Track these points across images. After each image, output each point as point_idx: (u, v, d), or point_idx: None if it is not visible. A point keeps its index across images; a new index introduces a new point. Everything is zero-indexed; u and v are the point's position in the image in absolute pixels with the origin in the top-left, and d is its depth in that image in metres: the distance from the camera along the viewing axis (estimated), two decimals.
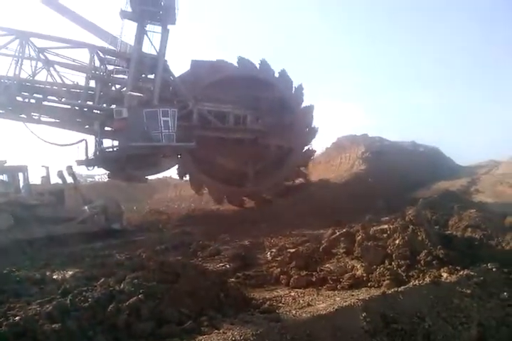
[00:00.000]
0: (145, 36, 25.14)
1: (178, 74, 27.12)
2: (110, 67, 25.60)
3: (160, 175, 38.12)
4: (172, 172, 30.70)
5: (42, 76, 24.34)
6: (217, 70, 28.11)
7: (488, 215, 13.71)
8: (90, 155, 24.55)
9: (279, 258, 12.46)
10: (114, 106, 24.45)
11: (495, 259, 9.34)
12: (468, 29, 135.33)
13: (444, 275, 8.61)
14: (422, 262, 9.30)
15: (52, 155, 59.24)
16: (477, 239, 10.96)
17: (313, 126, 32.40)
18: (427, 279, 8.38)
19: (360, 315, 6.63)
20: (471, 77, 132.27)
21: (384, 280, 8.98)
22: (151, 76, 25.78)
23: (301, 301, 8.39)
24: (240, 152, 28.93)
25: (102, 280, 8.19)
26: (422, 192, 27.26)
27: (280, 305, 8.25)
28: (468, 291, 7.90)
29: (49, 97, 24.50)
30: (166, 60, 25.62)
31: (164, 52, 25.37)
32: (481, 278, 8.37)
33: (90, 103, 24.62)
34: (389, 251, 10.02)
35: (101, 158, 24.49)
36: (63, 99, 24.57)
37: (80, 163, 24.68)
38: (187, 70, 27.86)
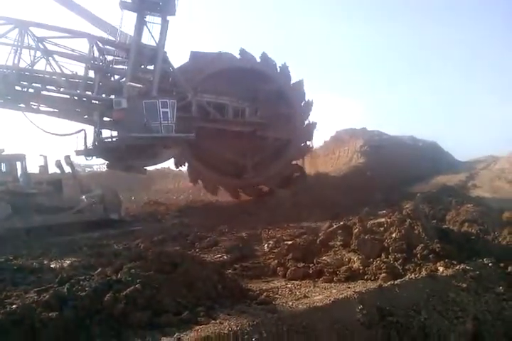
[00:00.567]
0: (145, 27, 24.97)
1: (177, 65, 27.01)
2: (109, 58, 25.46)
3: (158, 166, 38.07)
4: (171, 164, 30.65)
5: (41, 65, 24.23)
6: (216, 61, 28.03)
7: (486, 210, 13.79)
8: (89, 145, 24.49)
9: (276, 250, 12.49)
10: (113, 96, 24.34)
11: (491, 254, 9.40)
12: (466, 21, 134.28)
13: (441, 269, 8.65)
14: (418, 256, 9.35)
15: (50, 145, 58.88)
16: (474, 233, 11.03)
17: (311, 121, 32.34)
18: (423, 273, 8.44)
19: (357, 307, 6.66)
20: (469, 69, 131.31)
21: (380, 273, 9.02)
22: (151, 67, 25.65)
23: (297, 293, 8.43)
24: (238, 144, 28.91)
25: (100, 269, 8.25)
26: (420, 186, 27.34)
27: (277, 296, 8.29)
28: (464, 285, 7.94)
29: (48, 87, 24.37)
30: (165, 51, 25.48)
31: (164, 43, 25.20)
32: (477, 272, 8.42)
33: (89, 93, 24.51)
34: (386, 245, 10.07)
35: (100, 148, 24.42)
36: (62, 89, 24.44)
37: (79, 152, 24.63)
38: (186, 61, 27.75)
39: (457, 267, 8.57)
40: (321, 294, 8.09)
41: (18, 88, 23.80)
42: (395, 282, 7.81)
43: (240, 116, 28.83)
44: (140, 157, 24.41)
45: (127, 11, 24.51)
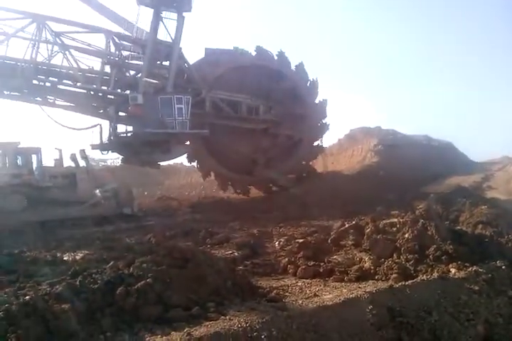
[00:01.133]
0: (161, 23, 25.04)
1: (192, 61, 27.06)
2: (125, 53, 25.60)
3: (171, 162, 38.26)
4: (184, 159, 30.77)
5: (58, 60, 24.43)
6: (232, 58, 28.06)
7: (500, 212, 13.62)
8: (105, 139, 24.71)
9: (287, 248, 12.50)
10: (128, 91, 24.49)
11: (504, 257, 9.27)
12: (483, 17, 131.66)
13: (453, 270, 8.58)
14: (430, 257, 9.28)
15: (65, 138, 59.36)
16: (487, 235, 10.89)
17: (325, 121, 32.18)
18: (435, 274, 8.37)
19: (367, 307, 6.64)
20: (483, 70, 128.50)
21: (391, 274, 8.98)
22: (166, 63, 25.73)
23: (307, 291, 8.43)
24: (251, 141, 28.94)
25: (112, 263, 8.30)
26: (434, 186, 27.02)
27: (287, 294, 8.30)
28: (476, 288, 7.86)
29: (64, 81, 24.61)
30: (180, 48, 25.55)
31: (179, 39, 25.25)
32: (490, 275, 8.31)
33: (105, 88, 24.71)
34: (398, 245, 10.02)
35: (115, 143, 24.62)
36: (78, 84, 24.66)
37: (94, 147, 24.87)
38: (201, 58, 27.81)
39: (470, 269, 8.47)
40: (331, 293, 8.08)
41: (35, 82, 24.03)
42: (406, 283, 7.76)
43: (254, 113, 28.86)
44: (154, 152, 24.56)
45: (144, 7, 24.61)
